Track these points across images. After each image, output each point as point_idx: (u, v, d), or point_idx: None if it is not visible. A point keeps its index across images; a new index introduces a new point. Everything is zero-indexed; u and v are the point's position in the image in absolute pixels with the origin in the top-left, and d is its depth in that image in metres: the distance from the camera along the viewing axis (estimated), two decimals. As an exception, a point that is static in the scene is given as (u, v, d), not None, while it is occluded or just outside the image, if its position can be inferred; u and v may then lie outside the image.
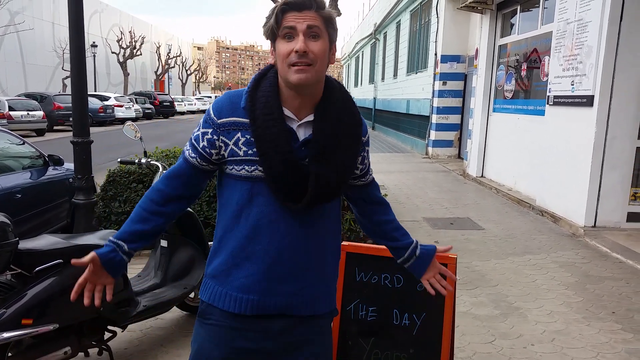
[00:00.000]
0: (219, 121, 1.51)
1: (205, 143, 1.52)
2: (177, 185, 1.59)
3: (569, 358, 3.25)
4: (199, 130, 1.55)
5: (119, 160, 3.78)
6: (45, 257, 2.61)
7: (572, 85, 6.41)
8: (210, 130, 1.52)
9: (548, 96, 7.08)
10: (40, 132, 18.90)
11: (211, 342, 1.58)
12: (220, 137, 1.51)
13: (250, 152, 1.48)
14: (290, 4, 1.44)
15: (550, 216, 6.91)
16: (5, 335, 2.40)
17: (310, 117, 1.52)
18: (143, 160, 3.62)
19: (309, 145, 1.50)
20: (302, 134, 1.51)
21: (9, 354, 2.60)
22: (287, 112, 1.50)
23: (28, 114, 17.97)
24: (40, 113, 18.74)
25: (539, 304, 4.13)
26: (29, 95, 21.31)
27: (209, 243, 3.71)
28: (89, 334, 2.85)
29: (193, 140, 1.56)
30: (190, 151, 1.57)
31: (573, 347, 3.40)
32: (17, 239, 2.47)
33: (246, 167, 1.49)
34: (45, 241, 2.71)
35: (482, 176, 10.23)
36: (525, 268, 5.02)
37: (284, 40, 1.45)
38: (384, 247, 2.61)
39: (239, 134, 1.49)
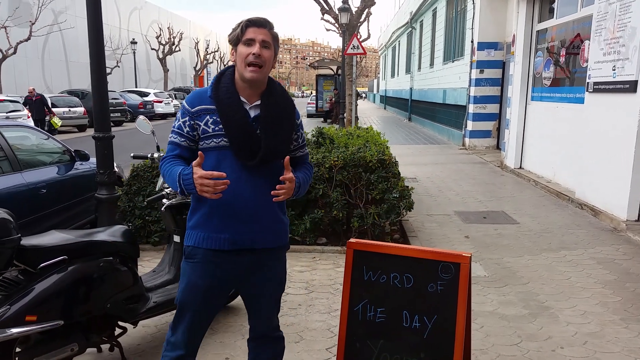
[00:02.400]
0: (192, 109, 2.09)
1: (188, 129, 2.10)
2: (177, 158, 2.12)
3: (601, 363, 3.03)
4: (178, 121, 2.12)
5: (132, 155, 3.76)
6: (49, 254, 2.60)
7: (614, 70, 6.01)
8: (187, 118, 2.10)
9: (587, 83, 6.68)
10: (81, 128, 19.47)
11: (197, 275, 2.12)
12: (195, 121, 2.08)
13: (217, 128, 2.06)
14: (252, 22, 2.07)
15: (590, 209, 6.54)
16: (10, 331, 2.40)
17: (258, 102, 2.13)
18: (155, 155, 3.59)
19: (258, 121, 2.09)
20: (253, 114, 2.10)
21: (17, 350, 2.61)
22: (241, 98, 2.09)
23: (70, 110, 18.53)
24: (82, 109, 19.30)
25: (571, 304, 3.89)
26: (71, 92, 21.99)
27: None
28: (98, 330, 2.84)
29: (177, 129, 2.12)
30: (178, 138, 2.11)
31: (607, 352, 3.16)
32: (19, 235, 2.45)
33: (214, 140, 2.06)
34: (51, 237, 2.70)
35: (520, 167, 9.83)
36: (560, 265, 4.75)
37: (245, 46, 2.05)
38: (393, 244, 2.48)
39: (207, 117, 2.07)
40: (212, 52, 50.84)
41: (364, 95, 72.91)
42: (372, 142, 5.87)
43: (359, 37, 14.63)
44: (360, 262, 2.51)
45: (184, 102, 2.11)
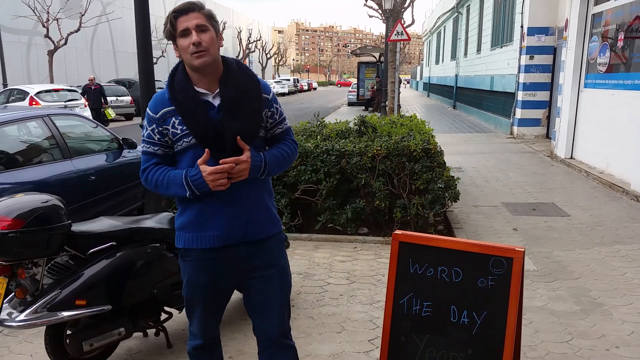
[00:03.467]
0: (157, 115, 2.01)
1: (158, 136, 2.02)
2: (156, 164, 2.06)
3: (661, 366, 2.86)
4: (146, 130, 2.04)
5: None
6: (98, 240, 2.66)
7: (678, 54, 5.63)
8: (154, 125, 2.02)
9: (649, 68, 6.30)
10: (128, 117, 20.01)
11: (194, 273, 2.10)
12: (163, 126, 2.00)
13: (184, 127, 1.98)
14: (178, 11, 1.95)
15: (648, 202, 6.21)
16: (60, 314, 2.47)
17: (217, 89, 2.01)
18: None
19: (222, 107, 1.98)
20: (217, 102, 2.00)
21: (67, 332, 2.69)
22: (201, 90, 2.00)
23: (117, 99, 19.06)
24: (128, 98, 19.81)
25: (627, 301, 3.70)
26: (118, 82, 22.61)
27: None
28: (144, 315, 2.89)
29: (147, 139, 2.05)
30: (152, 148, 2.03)
31: (667, 354, 2.98)
32: (70, 221, 2.52)
33: (185, 140, 1.99)
34: (100, 224, 2.76)
35: (571, 157, 9.43)
36: (614, 259, 4.53)
37: (182, 38, 1.94)
38: (440, 237, 2.40)
39: (172, 119, 1.99)
40: (254, 41, 51.17)
41: (406, 82, 71.83)
42: (416, 131, 5.74)
43: (402, 23, 14.35)
44: (406, 255, 2.44)
45: (147, 109, 2.03)
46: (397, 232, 2.48)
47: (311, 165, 5.06)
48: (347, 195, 5.16)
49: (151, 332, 3.15)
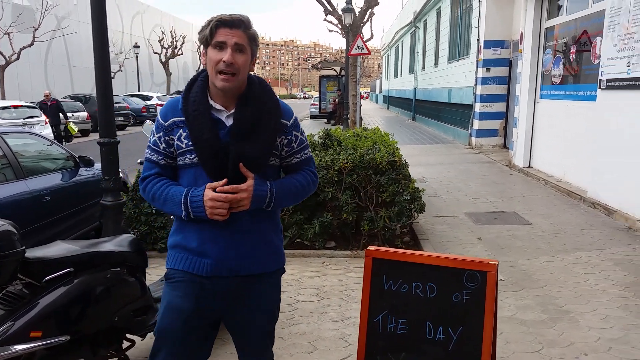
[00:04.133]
0: (165, 124, 1.88)
1: (164, 145, 1.89)
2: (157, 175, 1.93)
3: (629, 372, 2.91)
4: (153, 136, 1.91)
5: (138, 161, 3.66)
6: (55, 266, 2.49)
7: (628, 67, 5.88)
8: (162, 133, 1.89)
9: (600, 80, 6.55)
10: (85, 133, 19.41)
11: (177, 296, 1.90)
12: (169, 135, 1.87)
13: (189, 143, 1.83)
14: (223, 21, 1.79)
15: (603, 209, 6.41)
16: (14, 348, 2.30)
17: (235, 106, 1.86)
18: None
19: (234, 127, 1.83)
20: (230, 122, 1.85)
21: (22, 367, 2.51)
22: (217, 105, 1.85)
23: (73, 115, 18.45)
24: (85, 114, 19.22)
25: (592, 307, 3.77)
26: (74, 97, 21.94)
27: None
28: (105, 344, 2.73)
29: (152, 145, 1.91)
30: (155, 155, 1.90)
31: (634, 358, 3.04)
32: (24, 247, 2.35)
33: (188, 156, 1.84)
34: (56, 249, 2.60)
35: (529, 167, 9.70)
36: (577, 266, 4.63)
37: (215, 50, 1.79)
38: (415, 252, 2.37)
39: (180, 130, 1.85)
40: (214, 55, 50.71)
41: (365, 95, 72.73)
42: (380, 144, 5.75)
43: (362, 37, 14.52)
44: (380, 271, 2.40)
45: (158, 115, 1.90)
46: (371, 248, 2.44)
47: (277, 180, 4.97)
48: (313, 209, 5.10)
49: None
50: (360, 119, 16.05)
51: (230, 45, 1.77)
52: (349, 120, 15.73)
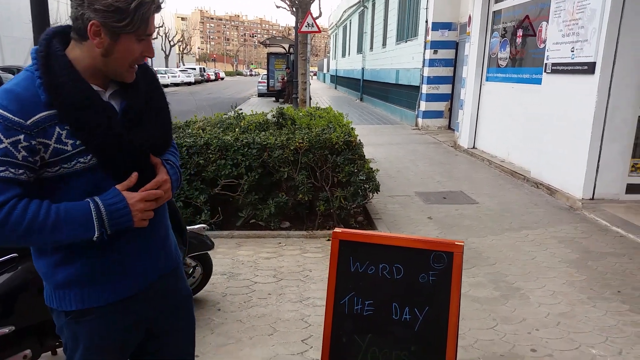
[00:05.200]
0: (28, 123, 1.32)
1: (24, 153, 1.32)
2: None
3: (576, 344, 3.05)
4: (1, 143, 1.30)
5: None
6: (-3, 252, 2.30)
7: (572, 51, 6.10)
8: (22, 137, 1.31)
9: (545, 64, 6.77)
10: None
11: (101, 336, 1.54)
12: (37, 139, 1.33)
13: (77, 142, 1.38)
14: (159, 6, 1.42)
15: (545, 188, 6.70)
16: (-48, 342, 2.11)
17: (115, 86, 1.49)
18: None
19: (128, 113, 1.47)
20: (118, 106, 1.48)
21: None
22: (94, 87, 1.43)
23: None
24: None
25: (540, 284, 3.93)
26: (5, 69, 20.48)
27: (190, 228, 3.42)
28: (53, 334, 2.56)
29: (2, 157, 1.30)
30: (8, 171, 1.31)
31: (580, 332, 3.19)
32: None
33: (80, 160, 1.39)
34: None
35: (473, 147, 9.98)
36: (524, 244, 4.81)
37: (135, 39, 1.40)
38: (382, 234, 2.34)
39: (57, 129, 1.36)
40: (156, 28, 48.80)
41: (313, 74, 72.47)
42: (335, 123, 5.71)
43: (312, 14, 14.32)
44: (347, 253, 2.37)
45: (1, 111, 1.31)
46: (337, 230, 2.40)
47: (231, 159, 4.84)
48: (268, 189, 5.01)
49: (61, 350, 2.82)
50: (310, 98, 15.94)
51: (151, 36, 1.46)
52: (298, 99, 15.58)
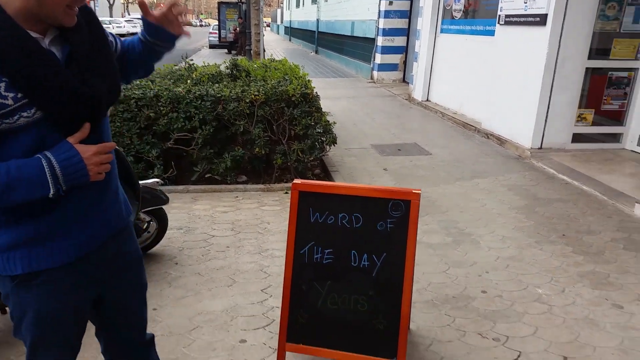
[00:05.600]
0: None
1: None
2: None
3: (524, 284, 3.23)
4: None
5: None
6: None
7: (525, 3, 6.16)
8: None
9: (499, 15, 6.83)
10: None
11: (50, 301, 1.45)
12: None
13: (18, 95, 1.25)
14: None
15: (496, 139, 6.89)
16: None
17: (55, 32, 1.35)
18: None
19: (73, 60, 1.35)
20: (59, 52, 1.35)
21: None
22: (32, 34, 1.29)
23: None
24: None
25: (490, 230, 4.09)
26: None
27: (143, 182, 3.33)
28: None
29: None
30: None
31: (528, 273, 3.37)
32: None
33: (23, 114, 1.27)
34: None
35: (427, 100, 10.09)
36: (475, 192, 4.97)
37: None
38: (341, 184, 2.36)
39: None
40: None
41: (266, 25, 70.48)
42: (291, 76, 5.61)
43: (264, -39, 13.76)
44: (306, 204, 2.37)
45: None
46: (297, 181, 2.39)
47: (184, 112, 4.70)
48: (224, 143, 4.92)
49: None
50: (264, 50, 15.54)
51: None
52: (252, 51, 15.16)
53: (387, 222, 2.31)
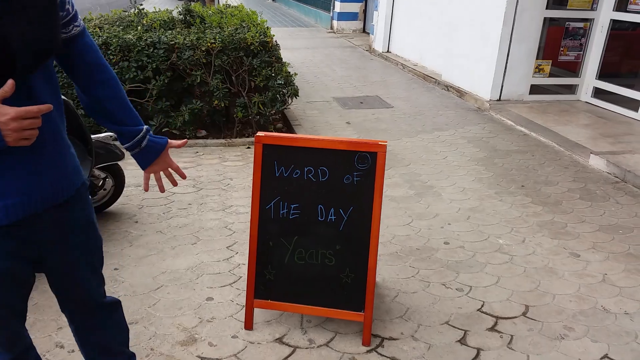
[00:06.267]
0: None
1: None
2: None
3: (485, 235, 3.29)
4: None
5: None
6: None
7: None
8: None
9: (460, -37, 6.69)
10: None
11: None
12: None
13: None
14: None
15: (455, 91, 6.91)
16: None
17: None
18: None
19: None
20: None
21: None
22: None
23: None
24: None
25: (451, 182, 4.14)
26: None
27: (96, 136, 3.15)
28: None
29: None
30: None
31: (489, 224, 3.44)
32: None
33: None
34: None
35: (388, 51, 9.97)
36: (436, 145, 5.00)
37: None
38: (305, 136, 2.29)
39: None
40: None
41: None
42: (249, 22, 5.37)
43: None
44: (271, 158, 2.29)
45: None
46: (260, 134, 2.29)
47: (135, 61, 4.44)
48: (180, 95, 4.71)
49: None
50: (217, -3, 14.88)
51: None
52: (205, -2, 14.49)
53: (353, 175, 2.27)
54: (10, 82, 1.16)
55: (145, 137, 1.57)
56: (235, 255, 2.99)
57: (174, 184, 1.72)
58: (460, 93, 6.78)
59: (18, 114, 1.16)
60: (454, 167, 4.45)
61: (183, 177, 1.75)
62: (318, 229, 2.33)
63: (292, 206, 2.33)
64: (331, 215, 2.33)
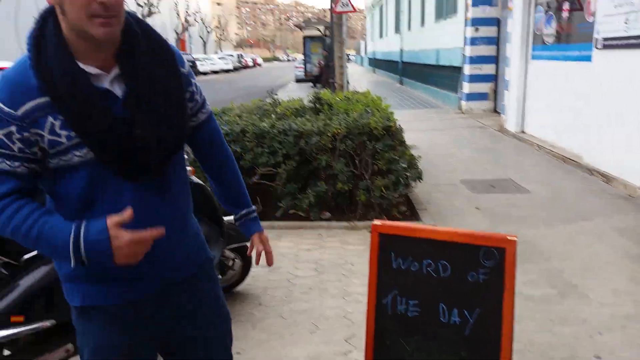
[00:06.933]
0: (19, 113, 1.20)
1: (20, 144, 1.22)
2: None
3: (645, 349, 2.78)
4: None
5: None
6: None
7: (626, 23, 5.62)
8: (14, 129, 1.21)
9: (596, 39, 6.31)
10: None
11: (108, 334, 1.42)
12: (32, 130, 1.22)
13: (72, 134, 1.23)
14: None
15: (601, 175, 6.29)
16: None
17: (117, 69, 1.28)
18: None
19: (128, 99, 1.27)
20: (119, 91, 1.28)
21: (5, 353, 2.30)
22: (90, 68, 1.24)
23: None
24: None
25: (600, 281, 3.63)
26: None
27: (227, 218, 3.33)
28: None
29: None
30: (6, 162, 1.23)
31: (648, 335, 2.92)
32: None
33: (76, 153, 1.25)
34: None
35: (521, 132, 9.52)
36: (580, 237, 4.49)
37: None
38: (424, 227, 2.16)
39: (50, 119, 1.22)
40: (193, 14, 49.18)
41: (351, 56, 71.78)
42: (373, 108, 5.50)
43: (348, -5, 13.97)
44: (388, 248, 2.19)
45: None
46: (377, 222, 2.22)
47: (268, 147, 4.72)
48: (307, 178, 4.87)
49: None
50: (347, 82, 15.67)
51: None
52: (335, 84, 15.34)
53: (479, 273, 2.07)
54: (129, 213, 1.23)
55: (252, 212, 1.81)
56: (353, 350, 2.85)
57: (257, 259, 1.76)
58: (607, 178, 6.14)
59: (133, 239, 1.23)
60: (604, 263, 3.93)
61: (269, 263, 1.80)
62: (440, 332, 2.13)
63: (411, 302, 2.17)
64: (455, 317, 2.12)
